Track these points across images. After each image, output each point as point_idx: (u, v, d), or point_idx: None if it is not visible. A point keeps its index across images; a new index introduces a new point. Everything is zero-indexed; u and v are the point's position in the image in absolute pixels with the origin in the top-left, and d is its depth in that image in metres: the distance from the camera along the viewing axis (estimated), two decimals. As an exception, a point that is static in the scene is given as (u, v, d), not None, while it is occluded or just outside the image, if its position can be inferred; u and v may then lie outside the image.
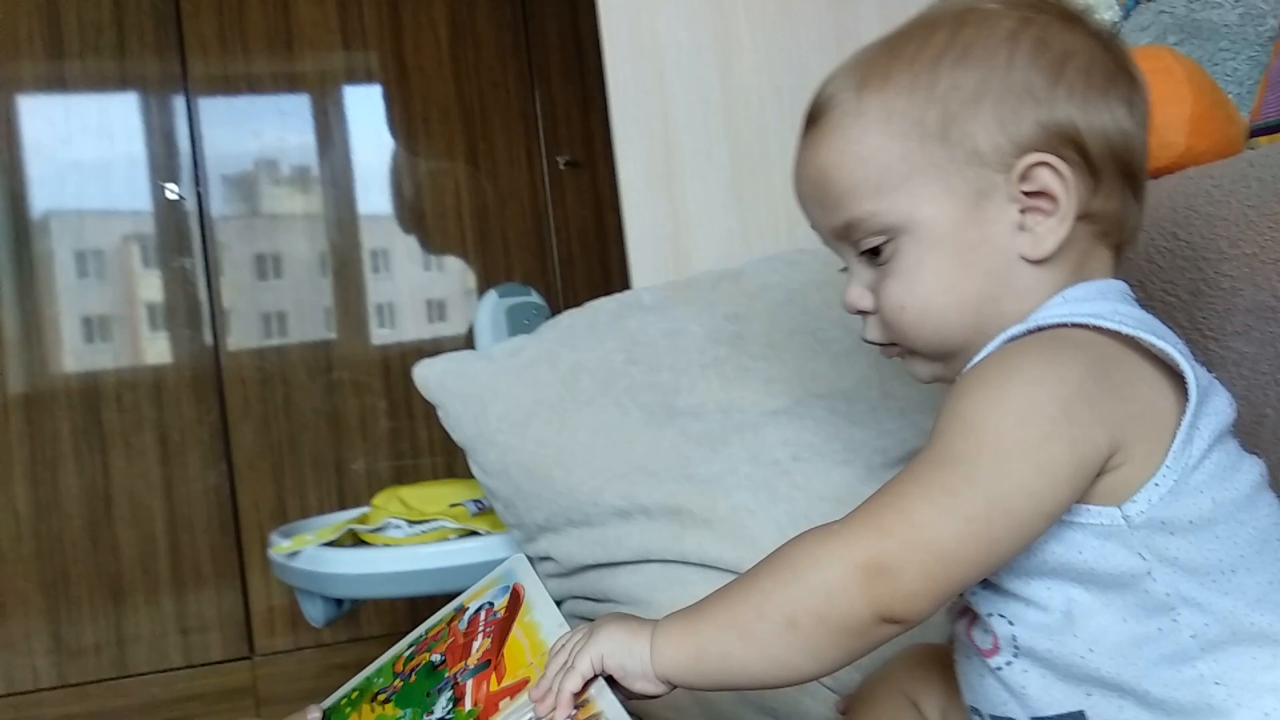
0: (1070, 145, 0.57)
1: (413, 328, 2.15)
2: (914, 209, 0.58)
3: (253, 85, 2.09)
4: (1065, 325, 0.55)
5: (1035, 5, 0.59)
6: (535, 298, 1.55)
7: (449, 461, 2.06)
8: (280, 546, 1.16)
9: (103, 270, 2.02)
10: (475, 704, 0.65)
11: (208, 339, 2.03)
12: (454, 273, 2.19)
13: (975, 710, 0.60)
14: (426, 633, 0.76)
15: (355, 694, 0.76)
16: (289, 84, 2.11)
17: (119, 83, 2.02)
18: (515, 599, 0.71)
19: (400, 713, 0.70)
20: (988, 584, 0.56)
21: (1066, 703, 0.54)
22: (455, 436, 0.95)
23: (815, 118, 0.62)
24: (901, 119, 0.58)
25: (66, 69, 1.99)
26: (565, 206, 2.21)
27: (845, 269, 0.64)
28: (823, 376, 0.90)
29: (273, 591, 1.98)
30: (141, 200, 2.03)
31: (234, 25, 2.06)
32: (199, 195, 2.04)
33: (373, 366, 2.09)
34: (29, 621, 1.90)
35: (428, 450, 2.08)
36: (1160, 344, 0.53)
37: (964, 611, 0.60)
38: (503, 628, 0.69)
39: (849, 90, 0.60)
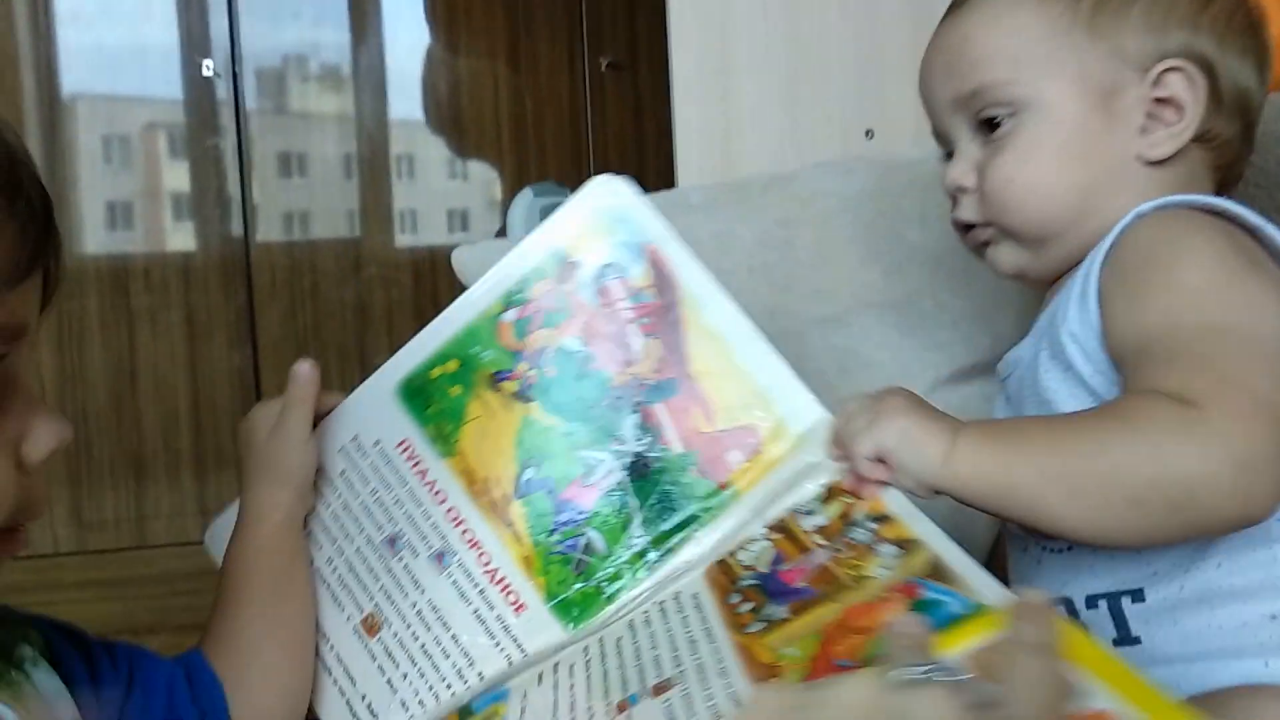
0: (1203, 69, 0.59)
1: (435, 236, 2.12)
2: (1046, 87, 0.60)
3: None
4: (1197, 208, 0.56)
5: None
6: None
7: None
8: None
9: (128, 156, 1.99)
10: (686, 445, 0.59)
11: (236, 226, 2.01)
12: (479, 183, 2.15)
13: None
14: (526, 289, 0.63)
15: (454, 365, 0.65)
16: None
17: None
18: (664, 278, 0.61)
19: (566, 426, 0.61)
20: None
21: (1129, 580, 0.55)
22: (491, 325, 0.94)
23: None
24: (1055, 2, 0.60)
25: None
26: (604, 110, 2.16)
27: (947, 155, 0.66)
28: (874, 286, 0.88)
29: (291, 477, 1.99)
30: (173, 87, 1.99)
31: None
32: (235, 77, 2.00)
33: (401, 264, 2.07)
34: (50, 489, 1.91)
35: (453, 350, 2.07)
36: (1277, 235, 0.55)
37: None
38: (670, 329, 0.60)
39: None
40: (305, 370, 0.67)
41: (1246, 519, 0.47)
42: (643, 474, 0.59)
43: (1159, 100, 0.59)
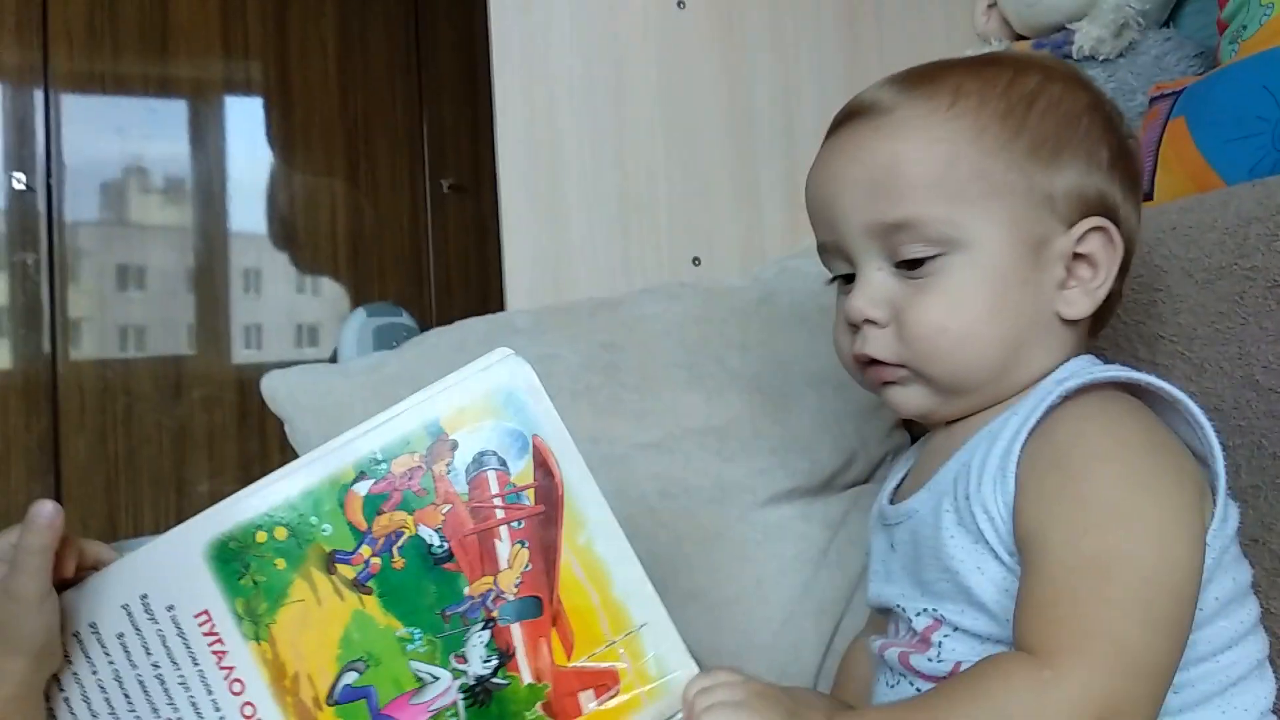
0: (1115, 223, 0.58)
1: (280, 350, 2.06)
2: (983, 230, 0.56)
3: (122, 86, 1.98)
4: (1114, 385, 0.55)
5: (1096, 90, 0.61)
6: (406, 319, 1.49)
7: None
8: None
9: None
10: (538, 678, 0.53)
11: (46, 345, 1.89)
12: (329, 297, 2.11)
13: None
14: (388, 461, 0.56)
15: (283, 533, 0.55)
16: (161, 88, 2.01)
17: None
18: (549, 481, 0.54)
19: (405, 630, 0.54)
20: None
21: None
22: (302, 454, 0.89)
23: (885, 109, 0.58)
24: (993, 140, 0.57)
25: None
26: (446, 231, 2.16)
27: (839, 279, 0.62)
28: (696, 412, 0.88)
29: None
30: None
31: (105, 20, 1.95)
32: (49, 189, 1.91)
33: (227, 385, 1.99)
34: None
35: (281, 475, 1.98)
36: (1199, 413, 0.54)
37: (906, 640, 0.59)
38: (544, 541, 0.54)
39: (938, 98, 0.58)
40: (46, 512, 0.55)
41: None
42: (482, 701, 0.53)
43: (1076, 255, 0.58)
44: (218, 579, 0.56)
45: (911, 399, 0.60)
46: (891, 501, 0.64)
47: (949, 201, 0.56)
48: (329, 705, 0.55)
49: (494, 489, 0.55)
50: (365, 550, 0.55)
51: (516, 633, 0.54)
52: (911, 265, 0.57)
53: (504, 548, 0.54)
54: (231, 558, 0.56)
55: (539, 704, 0.53)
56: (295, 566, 0.55)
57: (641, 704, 0.52)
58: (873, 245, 0.58)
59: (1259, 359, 0.64)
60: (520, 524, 0.54)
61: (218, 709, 0.56)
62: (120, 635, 0.58)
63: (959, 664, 0.55)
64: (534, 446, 0.55)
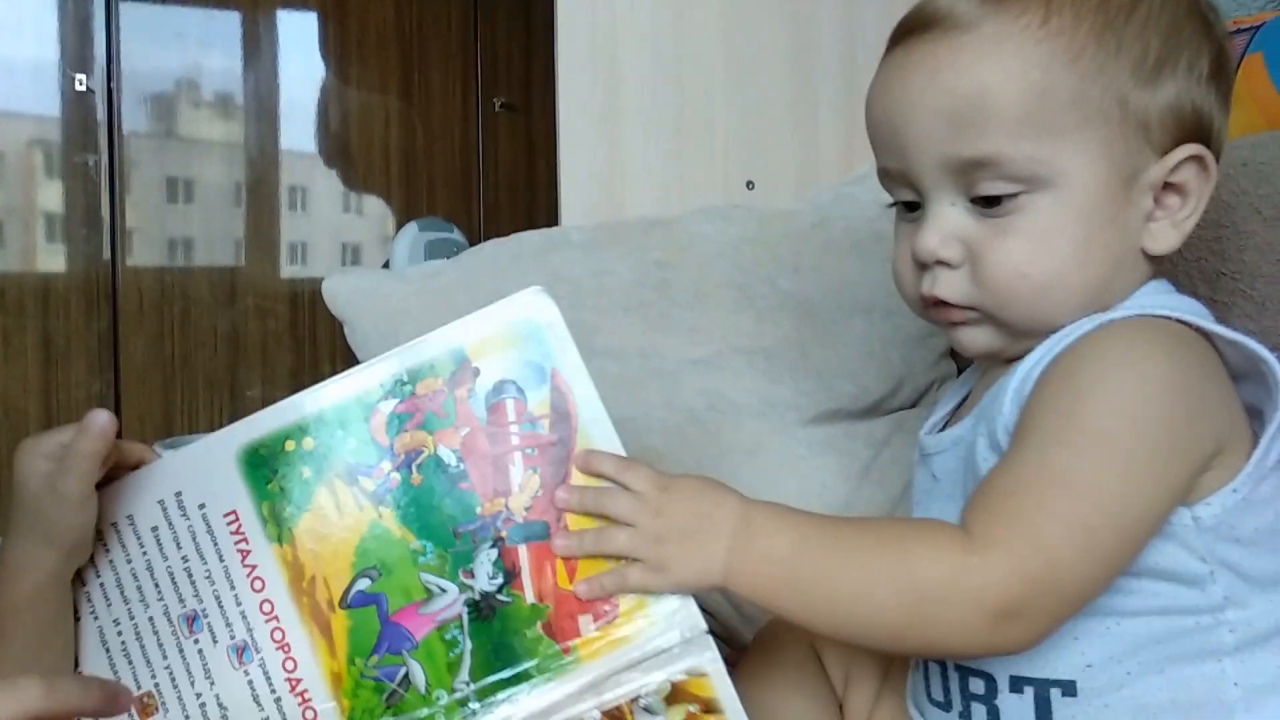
0: (1211, 143, 0.53)
1: (326, 268, 2.09)
2: (1073, 165, 0.51)
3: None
4: (1171, 319, 0.51)
5: None
6: (457, 235, 1.51)
7: (350, 401, 2.00)
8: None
9: (2, 172, 1.91)
10: (540, 598, 0.54)
11: (105, 246, 1.93)
12: (373, 217, 2.13)
13: (936, 661, 0.58)
14: (413, 382, 0.57)
15: (310, 443, 0.57)
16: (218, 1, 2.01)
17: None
18: (563, 412, 0.56)
19: (418, 543, 0.56)
20: None
21: (1061, 670, 0.51)
22: (361, 356, 0.92)
23: (966, 24, 0.52)
24: (1089, 63, 0.51)
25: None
26: (496, 150, 2.16)
27: (900, 204, 0.57)
28: (746, 331, 0.89)
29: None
30: (49, 103, 1.91)
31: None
32: (109, 92, 1.93)
33: (280, 295, 2.02)
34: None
35: (329, 384, 2.02)
36: (1262, 351, 0.51)
37: None
38: (555, 470, 0.55)
39: (1029, 13, 0.51)
40: (101, 420, 0.57)
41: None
42: (485, 616, 0.55)
43: (1167, 185, 0.53)
44: (247, 482, 0.59)
45: (980, 339, 0.56)
46: (942, 430, 0.63)
47: (1038, 136, 0.51)
48: (341, 608, 0.57)
49: (511, 416, 0.56)
50: (386, 465, 0.57)
51: (523, 554, 0.55)
52: (989, 202, 0.52)
53: (517, 472, 0.56)
54: (261, 463, 0.58)
55: (539, 623, 0.55)
56: (319, 476, 0.58)
57: (638, 631, 0.54)
58: (946, 179, 0.53)
59: (1321, 296, 0.64)
60: (534, 451, 0.56)
61: (239, 603, 0.59)
62: (155, 528, 0.61)
63: None
64: (552, 380, 0.56)
